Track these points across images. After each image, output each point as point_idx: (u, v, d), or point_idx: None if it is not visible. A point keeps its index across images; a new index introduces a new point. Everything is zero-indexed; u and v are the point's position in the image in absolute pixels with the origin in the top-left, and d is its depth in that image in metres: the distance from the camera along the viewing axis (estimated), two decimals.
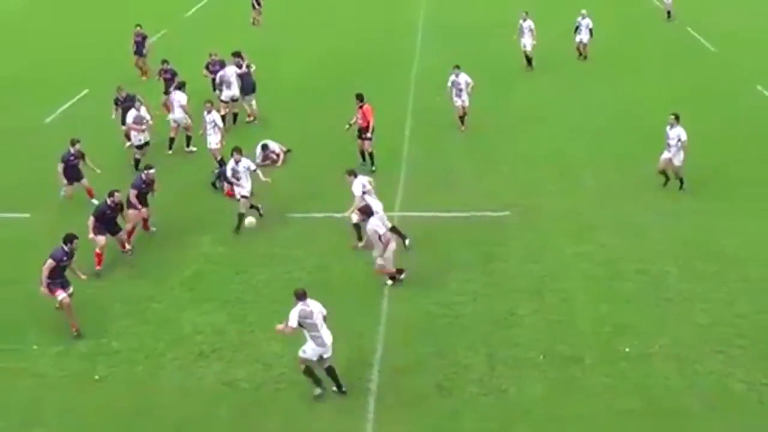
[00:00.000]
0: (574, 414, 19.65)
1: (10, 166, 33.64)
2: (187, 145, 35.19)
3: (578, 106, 39.63)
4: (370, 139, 32.30)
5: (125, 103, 34.61)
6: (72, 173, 29.96)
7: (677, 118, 29.53)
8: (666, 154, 29.76)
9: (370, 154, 32.65)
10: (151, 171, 27.87)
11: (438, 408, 20.03)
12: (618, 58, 46.97)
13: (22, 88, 44.25)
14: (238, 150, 28.65)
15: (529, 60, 45.29)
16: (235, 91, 37.77)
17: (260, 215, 28.48)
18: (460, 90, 36.09)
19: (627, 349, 21.77)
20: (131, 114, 33.12)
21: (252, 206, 28.57)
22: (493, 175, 32.28)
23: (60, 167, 29.59)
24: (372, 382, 20.91)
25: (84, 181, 30.17)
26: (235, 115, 38.25)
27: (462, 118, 36.66)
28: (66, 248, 22.70)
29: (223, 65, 38.47)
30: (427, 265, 26.03)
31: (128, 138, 34.59)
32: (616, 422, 19.39)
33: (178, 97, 35.14)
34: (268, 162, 33.77)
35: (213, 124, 32.54)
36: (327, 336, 20.11)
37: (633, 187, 29.26)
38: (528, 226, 28.17)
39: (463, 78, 35.98)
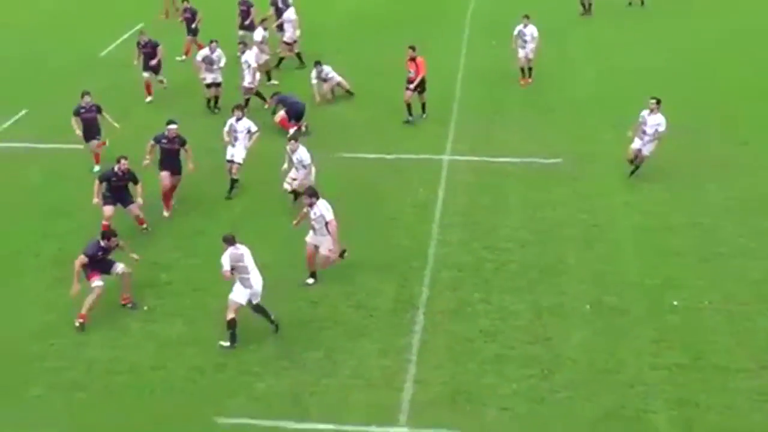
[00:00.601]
0: (619, 365, 19.53)
1: (65, 98, 33.66)
2: (269, 80, 35.18)
3: (634, 53, 38.85)
4: (419, 90, 31.50)
5: (145, 48, 33.77)
6: (88, 130, 28.17)
7: (659, 102, 26.74)
8: (636, 143, 27.05)
9: (423, 104, 32.02)
10: (173, 126, 25.54)
11: (481, 353, 20.01)
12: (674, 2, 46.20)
13: (78, 21, 44.43)
14: (239, 107, 27.62)
15: (586, 6, 44.65)
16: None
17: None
18: (525, 41, 35.09)
19: (675, 303, 21.59)
20: (201, 53, 32.76)
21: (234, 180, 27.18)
22: (546, 122, 32.03)
23: (74, 120, 27.92)
24: (417, 323, 20.95)
25: (93, 143, 28.28)
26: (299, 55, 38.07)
27: (523, 70, 35.66)
28: (102, 244, 21.07)
29: (249, 5, 38.27)
30: (476, 210, 25.99)
31: (148, 90, 34.03)
32: (662, 375, 19.22)
33: (256, 35, 35.24)
34: (322, 83, 33.86)
35: (247, 64, 32.57)
36: (257, 279, 20.31)
37: (688, 138, 28.86)
38: (579, 174, 27.94)
39: (530, 30, 35.00)
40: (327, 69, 33.85)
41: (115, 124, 28.56)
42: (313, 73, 33.79)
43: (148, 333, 20.87)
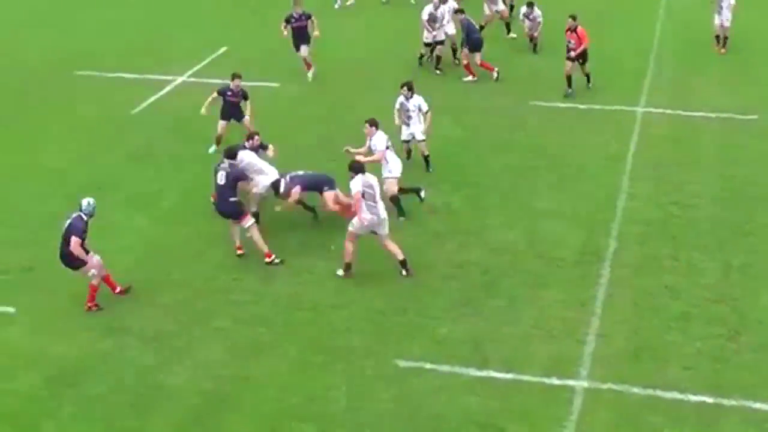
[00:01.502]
0: None
1: (263, 38, 34.30)
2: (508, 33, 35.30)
3: None
4: (581, 61, 29.82)
5: (298, 22, 31.06)
6: (228, 111, 26.55)
7: None
8: None
9: (587, 75, 30.32)
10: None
11: (666, 309, 19.61)
12: None
13: None
14: (409, 86, 24.97)
15: None
16: None
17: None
18: (722, 7, 32.77)
19: None
20: (426, 10, 31.89)
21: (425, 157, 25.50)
22: (744, 78, 31.18)
23: (214, 95, 26.37)
24: (602, 276, 20.68)
25: (245, 119, 26.45)
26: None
27: (719, 38, 33.30)
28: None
29: None
30: (668, 164, 25.50)
31: (308, 66, 31.52)
32: None
33: None
34: (531, 25, 33.63)
35: (451, 11, 32.25)
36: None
37: None
38: None
39: None
40: (538, 12, 33.35)
41: (250, 117, 26.64)
42: (523, 9, 33.65)
43: (332, 272, 21.07)
